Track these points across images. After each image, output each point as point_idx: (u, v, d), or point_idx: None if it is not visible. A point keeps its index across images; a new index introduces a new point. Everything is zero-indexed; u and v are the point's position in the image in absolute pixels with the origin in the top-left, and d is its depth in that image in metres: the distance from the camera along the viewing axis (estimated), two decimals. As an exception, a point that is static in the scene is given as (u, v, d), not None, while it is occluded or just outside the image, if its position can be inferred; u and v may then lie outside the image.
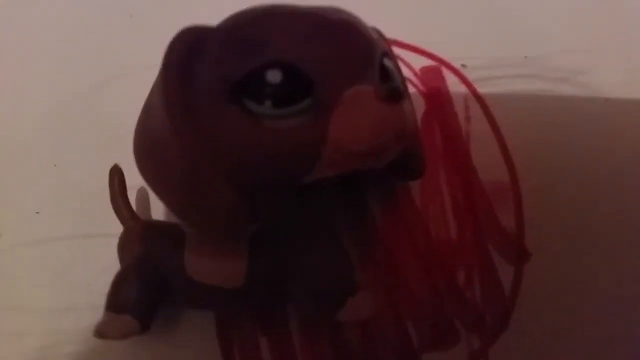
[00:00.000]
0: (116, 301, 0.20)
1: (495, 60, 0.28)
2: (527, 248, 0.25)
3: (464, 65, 0.28)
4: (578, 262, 0.25)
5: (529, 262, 0.25)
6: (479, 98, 0.27)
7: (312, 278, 0.21)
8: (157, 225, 0.24)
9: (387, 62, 0.19)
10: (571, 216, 0.25)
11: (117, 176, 0.24)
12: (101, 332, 0.20)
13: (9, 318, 0.25)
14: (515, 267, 0.25)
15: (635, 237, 0.25)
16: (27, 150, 0.27)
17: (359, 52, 0.18)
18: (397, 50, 0.28)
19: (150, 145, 0.20)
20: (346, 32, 0.19)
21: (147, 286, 0.21)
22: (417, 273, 0.25)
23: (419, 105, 0.27)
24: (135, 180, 0.23)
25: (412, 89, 0.27)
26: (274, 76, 0.17)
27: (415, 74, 0.28)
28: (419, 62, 0.28)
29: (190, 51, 0.19)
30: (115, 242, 0.23)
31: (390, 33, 0.26)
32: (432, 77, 0.28)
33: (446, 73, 0.28)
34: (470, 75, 0.28)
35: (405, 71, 0.27)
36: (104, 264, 0.23)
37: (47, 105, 0.28)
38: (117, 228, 0.23)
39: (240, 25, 0.19)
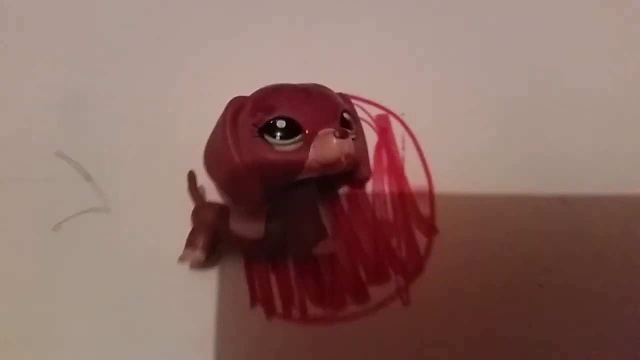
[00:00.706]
0: (192, 242, 0.30)
1: (428, 109, 0.37)
2: (436, 226, 0.34)
3: (402, 114, 0.36)
4: (472, 235, 0.33)
5: (437, 234, 0.34)
6: (411, 135, 0.36)
7: (300, 232, 0.29)
8: (214, 203, 0.32)
9: (346, 115, 0.28)
10: (468, 207, 0.34)
11: (192, 176, 0.32)
12: (183, 259, 0.30)
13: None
14: (427, 238, 0.34)
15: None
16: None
17: (328, 110, 0.27)
18: (360, 103, 0.36)
19: (213, 158, 0.29)
20: (321, 99, 0.27)
21: (209, 236, 0.30)
22: (367, 238, 0.34)
23: (373, 138, 0.36)
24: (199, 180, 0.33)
25: (368, 128, 0.35)
26: (281, 124, 0.26)
27: (372, 118, 0.36)
28: (374, 111, 0.36)
29: (236, 109, 0.27)
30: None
31: (356, 91, 0.36)
32: (382, 121, 0.36)
33: (391, 118, 0.36)
34: (407, 120, 0.36)
35: (365, 116, 0.36)
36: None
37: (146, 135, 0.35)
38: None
39: (262, 95, 0.27)
